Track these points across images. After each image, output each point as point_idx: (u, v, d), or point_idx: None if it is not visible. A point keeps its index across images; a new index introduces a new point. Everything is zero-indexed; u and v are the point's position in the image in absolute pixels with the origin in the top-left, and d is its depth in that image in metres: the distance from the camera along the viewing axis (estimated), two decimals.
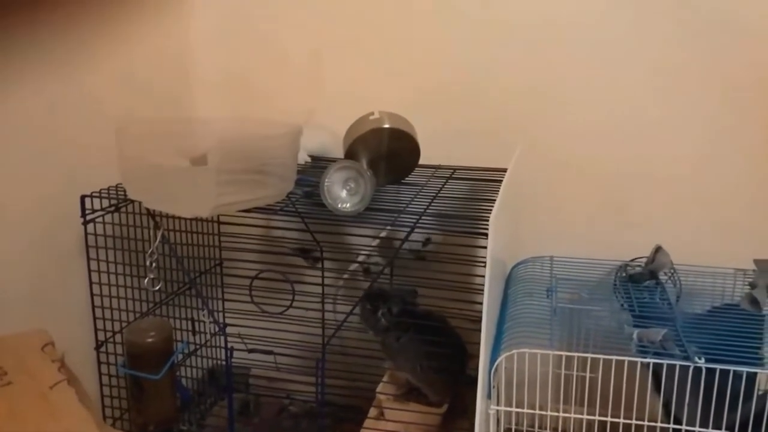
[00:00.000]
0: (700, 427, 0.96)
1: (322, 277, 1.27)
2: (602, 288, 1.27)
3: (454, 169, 1.39)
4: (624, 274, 1.28)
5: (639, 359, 0.98)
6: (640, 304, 1.15)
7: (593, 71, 1.35)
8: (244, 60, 1.52)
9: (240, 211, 1.14)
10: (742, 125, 1.31)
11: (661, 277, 1.24)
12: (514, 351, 0.98)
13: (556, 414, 1.03)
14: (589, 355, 0.99)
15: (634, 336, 1.01)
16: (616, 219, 1.40)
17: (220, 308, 1.52)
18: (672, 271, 1.25)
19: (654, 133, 1.35)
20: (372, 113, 1.28)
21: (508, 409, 1.02)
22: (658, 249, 1.25)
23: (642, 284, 1.24)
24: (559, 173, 1.40)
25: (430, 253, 1.41)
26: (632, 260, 1.30)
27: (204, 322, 1.49)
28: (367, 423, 1.31)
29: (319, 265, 1.26)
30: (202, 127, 1.36)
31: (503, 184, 1.10)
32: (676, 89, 1.32)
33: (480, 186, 1.30)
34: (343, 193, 1.14)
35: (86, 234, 1.22)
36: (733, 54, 1.28)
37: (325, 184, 1.12)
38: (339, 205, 1.13)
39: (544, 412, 1.03)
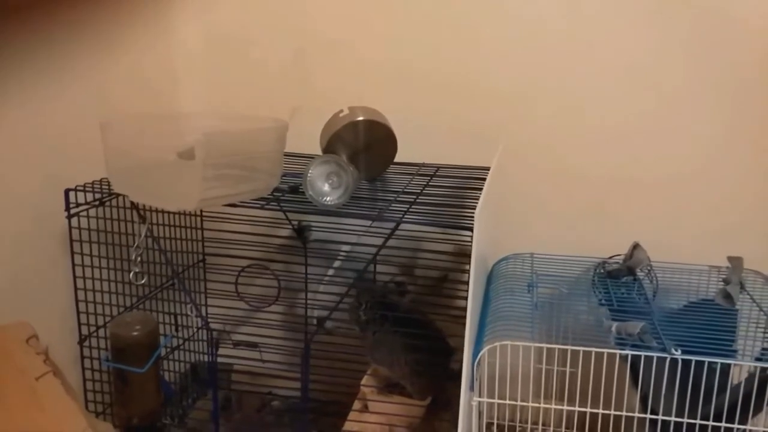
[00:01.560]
0: (676, 417, 0.99)
1: (305, 274, 1.28)
2: (581, 284, 1.29)
3: (438, 167, 1.40)
4: (602, 271, 1.30)
5: (617, 351, 1.00)
6: (618, 300, 1.17)
7: (577, 71, 1.37)
8: (233, 58, 1.52)
9: (226, 205, 1.15)
10: (719, 127, 1.33)
11: (638, 274, 1.26)
12: (497, 343, 1.00)
13: (536, 405, 1.05)
14: (569, 347, 1.01)
15: (613, 329, 1.03)
16: (595, 217, 1.42)
17: (205, 303, 1.52)
18: (649, 267, 1.27)
19: (633, 134, 1.37)
20: (341, 110, 1.29)
21: (491, 400, 1.04)
22: (635, 246, 1.27)
23: (620, 280, 1.26)
24: (540, 172, 1.42)
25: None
26: (611, 257, 1.32)
27: (188, 316, 1.49)
28: (352, 416, 1.32)
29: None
30: (189, 121, 1.37)
31: (487, 181, 1.12)
32: (655, 91, 1.34)
33: (464, 184, 1.32)
34: (325, 186, 1.15)
35: (70, 228, 1.22)
36: (722, 56, 1.30)
37: (308, 178, 1.14)
38: (322, 199, 1.14)
39: (525, 403, 1.05)
